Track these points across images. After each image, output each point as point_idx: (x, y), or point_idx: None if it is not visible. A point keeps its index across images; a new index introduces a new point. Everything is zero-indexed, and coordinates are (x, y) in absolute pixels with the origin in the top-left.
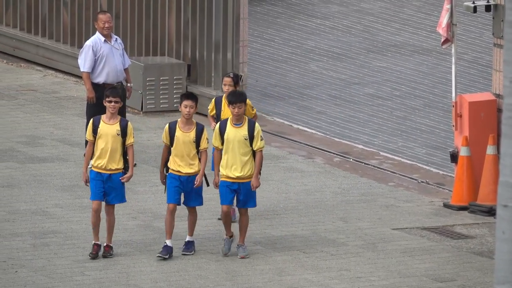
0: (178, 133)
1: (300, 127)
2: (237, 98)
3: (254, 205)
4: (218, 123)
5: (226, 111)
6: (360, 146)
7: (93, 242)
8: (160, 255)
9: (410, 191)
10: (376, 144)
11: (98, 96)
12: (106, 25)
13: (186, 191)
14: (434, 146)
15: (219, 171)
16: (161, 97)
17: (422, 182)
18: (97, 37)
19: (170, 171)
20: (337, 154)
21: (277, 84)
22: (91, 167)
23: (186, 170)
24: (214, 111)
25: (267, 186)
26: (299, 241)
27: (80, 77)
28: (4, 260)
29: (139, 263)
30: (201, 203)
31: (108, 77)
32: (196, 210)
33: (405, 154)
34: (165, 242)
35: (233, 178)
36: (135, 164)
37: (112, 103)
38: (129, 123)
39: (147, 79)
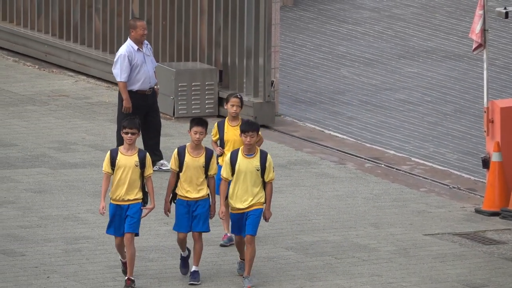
0: (188, 158)
1: (332, 133)
2: (250, 127)
3: (255, 233)
4: (229, 154)
5: (230, 133)
6: (392, 152)
7: (120, 259)
8: (193, 282)
9: (442, 196)
10: (407, 149)
11: (137, 104)
12: (145, 32)
13: (193, 216)
14: (466, 151)
15: (225, 201)
16: (193, 102)
17: (454, 187)
18: (130, 45)
19: (178, 197)
20: (368, 160)
21: (308, 90)
22: (110, 200)
23: (194, 195)
24: (217, 136)
25: (299, 192)
26: (330, 246)
27: (112, 83)
28: (36, 265)
29: (170, 269)
30: (208, 229)
31: (142, 84)
32: (202, 238)
33: (436, 159)
34: (184, 254)
35: (241, 209)
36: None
37: (129, 135)
38: (147, 154)
39: (179, 84)
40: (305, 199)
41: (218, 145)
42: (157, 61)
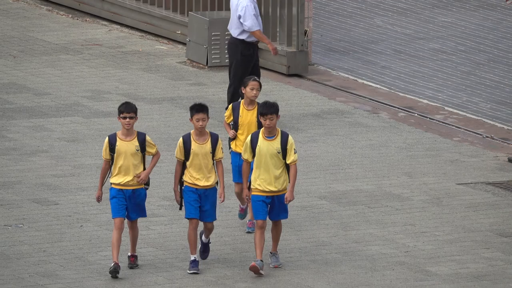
0: (194, 145)
1: (365, 82)
2: (269, 109)
3: (286, 217)
4: (250, 136)
5: (245, 117)
6: (425, 101)
7: (113, 262)
8: (194, 271)
9: (475, 146)
10: (440, 99)
11: (250, 54)
12: None
13: (202, 205)
14: (499, 101)
15: (247, 184)
16: (226, 52)
17: (487, 137)
18: None
19: (185, 184)
20: (401, 109)
21: (342, 39)
22: (110, 185)
23: (204, 183)
24: (232, 118)
25: (332, 141)
26: (364, 196)
27: (144, 31)
28: (69, 214)
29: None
30: (215, 218)
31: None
32: (212, 225)
33: (469, 109)
34: (193, 257)
35: (267, 192)
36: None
37: (127, 119)
38: (146, 136)
39: (212, 33)
40: (339, 148)
41: (232, 127)
42: (191, 10)
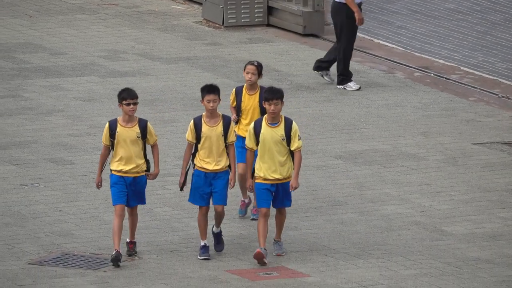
0: (205, 128)
1: (381, 42)
2: (273, 94)
3: (290, 205)
4: (253, 123)
5: (247, 102)
6: (441, 61)
7: (114, 250)
8: (204, 256)
9: (491, 105)
10: (456, 58)
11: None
12: None
13: (213, 188)
14: None
15: (252, 173)
16: (242, 11)
17: (503, 97)
18: None
19: (196, 167)
20: (417, 69)
21: None
22: (110, 171)
23: (213, 166)
24: (235, 103)
25: (348, 101)
26: (379, 155)
27: None
28: (85, 174)
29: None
30: (225, 203)
31: None
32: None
33: (485, 69)
34: (203, 243)
35: (271, 180)
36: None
37: (131, 106)
38: (148, 123)
39: None
40: (354, 108)
41: (236, 111)
42: None
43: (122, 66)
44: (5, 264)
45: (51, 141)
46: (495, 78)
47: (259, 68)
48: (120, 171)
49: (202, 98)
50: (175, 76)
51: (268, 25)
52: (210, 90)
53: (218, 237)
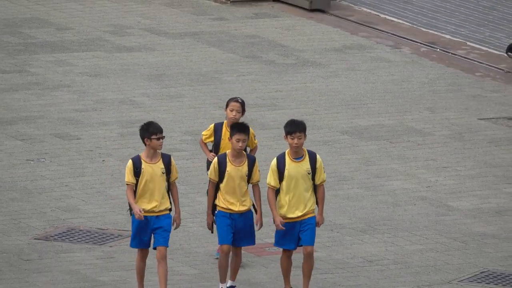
0: (230, 167)
1: (387, 17)
2: (296, 127)
3: (313, 243)
4: (275, 159)
5: (227, 140)
6: (447, 36)
7: None
8: None
9: (497, 81)
10: (463, 34)
11: None
12: None
13: (237, 230)
14: None
15: (276, 210)
16: None
17: (509, 72)
18: None
19: (219, 209)
20: (424, 44)
21: None
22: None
23: (238, 208)
24: (212, 138)
25: (354, 76)
26: (385, 130)
27: None
28: (91, 149)
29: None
30: (254, 243)
31: None
32: (241, 252)
33: (492, 44)
34: (221, 286)
35: (294, 219)
36: None
37: (161, 140)
38: (171, 157)
39: None
40: (361, 83)
41: (211, 149)
42: None
43: (128, 41)
44: (11, 239)
45: (57, 116)
46: (501, 53)
47: (243, 105)
48: (143, 210)
49: (231, 136)
50: (181, 51)
51: (275, 0)
52: (241, 129)
53: None
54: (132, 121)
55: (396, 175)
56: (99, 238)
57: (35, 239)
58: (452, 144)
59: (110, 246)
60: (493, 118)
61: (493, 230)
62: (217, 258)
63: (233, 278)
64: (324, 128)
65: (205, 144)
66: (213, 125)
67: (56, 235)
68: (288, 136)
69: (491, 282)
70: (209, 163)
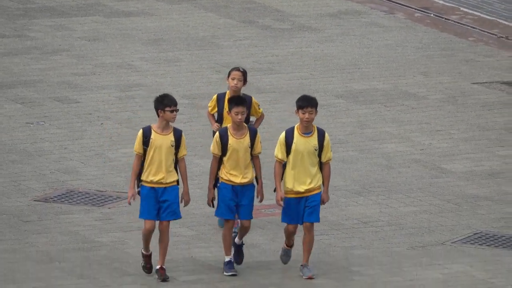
0: (232, 140)
1: None
2: (308, 102)
3: (318, 219)
4: (284, 133)
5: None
6: (441, 2)
7: (143, 252)
8: (232, 273)
9: (490, 46)
10: None
11: None
12: None
13: (239, 201)
14: None
15: (280, 184)
16: None
17: (502, 37)
18: None
19: (221, 180)
20: (418, 10)
21: None
22: (141, 183)
23: (240, 180)
24: (216, 109)
25: (349, 41)
26: (380, 94)
27: None
28: (90, 112)
29: None
30: (251, 217)
31: None
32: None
33: (484, 9)
34: (228, 258)
35: (301, 193)
36: None
37: (175, 112)
38: (182, 133)
39: None
40: (355, 48)
41: (216, 119)
42: None
43: (126, 6)
44: (11, 201)
45: (56, 80)
46: (494, 18)
47: (244, 74)
48: (151, 182)
49: (230, 109)
50: (179, 17)
51: None
52: (238, 102)
53: (239, 248)
54: (130, 85)
55: (391, 138)
56: (97, 200)
57: (34, 200)
58: (445, 107)
59: (109, 208)
60: (486, 83)
61: (486, 192)
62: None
63: (240, 238)
64: (320, 92)
65: (212, 115)
66: (215, 95)
67: (55, 196)
68: (300, 111)
69: (483, 243)
70: (214, 133)
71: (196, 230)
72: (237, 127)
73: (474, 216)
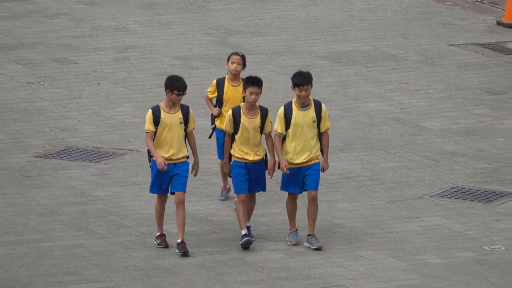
0: (244, 119)
1: None
2: (304, 79)
3: (317, 188)
4: (283, 107)
5: (230, 93)
6: None
7: (157, 233)
8: (247, 245)
9: (466, 9)
10: None
11: None
12: None
13: (252, 178)
14: None
15: (282, 154)
16: None
17: (477, 1)
18: None
19: (234, 158)
20: None
21: None
22: (152, 158)
23: (253, 157)
24: (216, 94)
25: (332, 5)
26: (362, 56)
27: None
28: (87, 73)
29: (213, 76)
30: (265, 189)
31: None
32: (255, 197)
33: None
34: (244, 232)
35: (300, 164)
36: None
37: (181, 96)
38: (190, 108)
39: None
40: (338, 11)
41: (215, 103)
42: None
43: None
44: (12, 157)
45: (55, 42)
46: None
47: (243, 58)
48: (162, 157)
49: (245, 89)
50: None
51: None
52: (255, 82)
53: (248, 229)
54: (126, 47)
55: (372, 98)
56: (94, 156)
57: (35, 156)
58: (423, 68)
59: (105, 164)
60: (462, 44)
61: (462, 149)
62: (222, 199)
63: (248, 219)
64: (305, 53)
65: (210, 99)
66: (215, 80)
67: (54, 153)
68: (296, 88)
69: (460, 197)
70: (213, 117)
71: (187, 186)
72: (250, 107)
73: (451, 171)
